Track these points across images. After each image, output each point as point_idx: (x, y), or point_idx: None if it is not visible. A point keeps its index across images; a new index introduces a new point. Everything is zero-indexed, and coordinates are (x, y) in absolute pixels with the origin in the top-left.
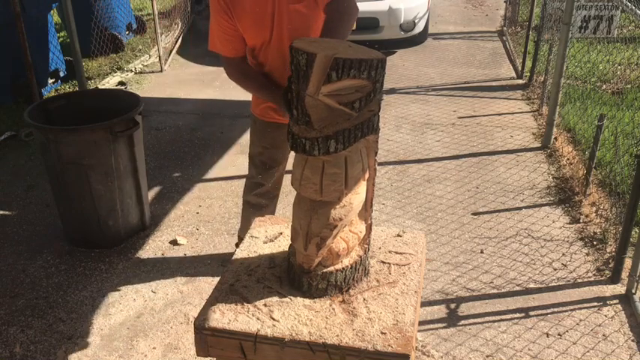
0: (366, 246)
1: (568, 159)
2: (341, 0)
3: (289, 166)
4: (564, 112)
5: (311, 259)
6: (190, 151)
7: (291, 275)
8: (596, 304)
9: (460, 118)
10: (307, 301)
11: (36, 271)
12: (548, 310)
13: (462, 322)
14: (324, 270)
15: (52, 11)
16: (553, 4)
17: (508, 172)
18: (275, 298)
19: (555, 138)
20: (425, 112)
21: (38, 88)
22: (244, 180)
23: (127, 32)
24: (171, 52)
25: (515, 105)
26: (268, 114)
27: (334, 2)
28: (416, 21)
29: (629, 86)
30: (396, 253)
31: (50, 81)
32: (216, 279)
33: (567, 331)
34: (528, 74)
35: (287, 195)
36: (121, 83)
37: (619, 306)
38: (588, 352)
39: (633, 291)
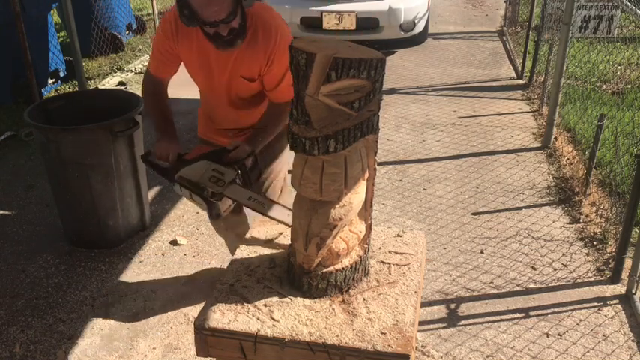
0: (366, 246)
1: (568, 159)
2: (285, 104)
3: (288, 166)
4: (564, 112)
5: (311, 259)
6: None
7: (291, 275)
8: (596, 304)
9: (460, 118)
10: (307, 301)
11: (36, 271)
12: (548, 310)
13: (462, 322)
14: (324, 270)
15: (52, 11)
16: (553, 4)
17: (508, 172)
18: (275, 298)
19: (555, 138)
20: (425, 112)
21: (38, 88)
22: None
23: (127, 32)
24: None
25: (515, 105)
26: (206, 134)
27: (283, 104)
28: (416, 21)
29: (629, 86)
30: (396, 253)
31: (50, 81)
32: (216, 279)
33: (567, 331)
34: (528, 74)
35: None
36: (121, 83)
37: (619, 306)
38: (588, 352)
39: (633, 291)
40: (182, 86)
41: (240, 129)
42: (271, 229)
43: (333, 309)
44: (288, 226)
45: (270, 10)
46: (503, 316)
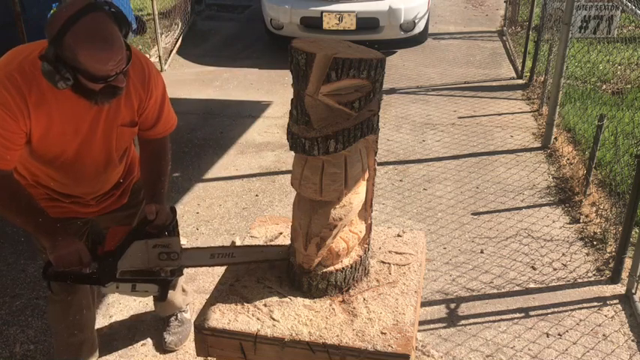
0: (366, 246)
1: (568, 159)
2: (166, 140)
3: (288, 166)
4: (564, 112)
5: (311, 259)
6: (190, 151)
7: (291, 275)
8: (596, 304)
9: (460, 118)
10: (307, 301)
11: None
12: (548, 310)
13: (462, 322)
14: (324, 270)
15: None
16: (553, 4)
17: (508, 172)
18: (275, 298)
19: (555, 138)
20: (425, 112)
21: None
22: (244, 180)
23: None
24: (171, 52)
25: (515, 105)
26: (65, 213)
27: (167, 137)
28: (416, 21)
29: (629, 86)
30: (396, 253)
31: None
32: (216, 279)
33: (567, 331)
34: (528, 74)
35: (287, 195)
36: None
37: (619, 306)
38: (588, 352)
39: (633, 291)
40: (182, 86)
41: (107, 192)
42: (271, 229)
43: (333, 309)
44: (261, 262)
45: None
46: (503, 316)
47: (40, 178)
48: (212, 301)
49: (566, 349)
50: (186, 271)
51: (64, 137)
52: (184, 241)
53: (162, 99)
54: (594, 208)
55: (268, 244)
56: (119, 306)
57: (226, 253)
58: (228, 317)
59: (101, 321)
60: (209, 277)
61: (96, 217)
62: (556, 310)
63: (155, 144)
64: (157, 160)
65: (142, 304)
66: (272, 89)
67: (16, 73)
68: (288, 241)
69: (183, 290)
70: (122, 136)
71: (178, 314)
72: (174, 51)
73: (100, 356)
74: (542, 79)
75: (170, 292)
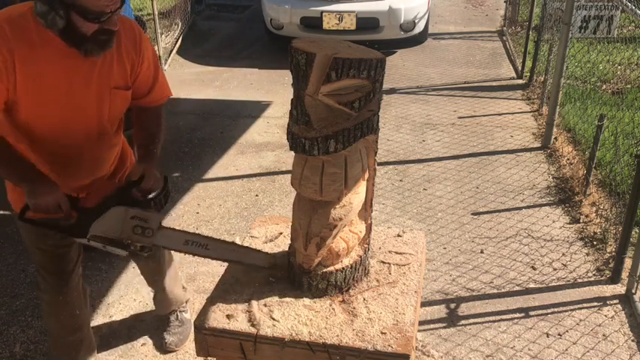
0: (366, 246)
1: (568, 159)
2: (160, 109)
3: (288, 166)
4: (564, 112)
5: (311, 259)
6: (190, 151)
7: (291, 275)
8: (596, 304)
9: (460, 118)
10: (307, 301)
11: (36, 271)
12: (548, 310)
13: (462, 322)
14: (324, 270)
15: None
16: (553, 4)
17: (508, 172)
18: (275, 298)
19: (555, 138)
20: (425, 112)
21: None
22: (244, 180)
23: None
24: (171, 52)
25: (515, 105)
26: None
27: (161, 107)
28: (416, 21)
29: (629, 86)
30: (396, 253)
31: None
32: (216, 279)
33: (567, 331)
34: (528, 74)
35: (287, 195)
36: None
37: (619, 306)
38: (588, 352)
39: (633, 291)
40: (182, 86)
41: (100, 177)
42: (271, 229)
43: (333, 309)
44: (235, 262)
45: None
46: (503, 316)
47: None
48: (212, 301)
49: (566, 349)
50: (186, 271)
51: (55, 97)
52: None
53: (154, 65)
54: (594, 208)
55: (251, 246)
56: (119, 306)
57: (201, 244)
58: (228, 317)
59: (101, 321)
60: (209, 277)
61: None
62: (556, 310)
63: (150, 112)
64: (151, 125)
65: (141, 304)
66: (272, 89)
67: (5, 24)
68: (288, 241)
69: (183, 287)
70: (115, 100)
71: (178, 314)
72: (174, 51)
73: (99, 356)
74: (542, 79)
75: (170, 287)
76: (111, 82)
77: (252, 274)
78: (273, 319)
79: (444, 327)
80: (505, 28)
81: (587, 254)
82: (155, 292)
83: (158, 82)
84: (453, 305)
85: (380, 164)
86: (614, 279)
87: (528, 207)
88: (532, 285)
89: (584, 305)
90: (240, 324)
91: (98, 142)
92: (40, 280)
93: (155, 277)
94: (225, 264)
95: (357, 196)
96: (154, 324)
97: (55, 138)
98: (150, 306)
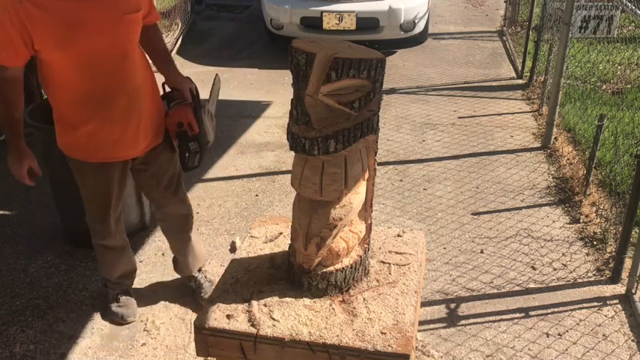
0: (366, 246)
1: (568, 159)
2: (157, 26)
3: (288, 166)
4: (564, 112)
5: (311, 259)
6: None
7: (291, 275)
8: (596, 304)
9: (460, 118)
10: (307, 301)
11: (36, 271)
12: (548, 310)
13: (462, 322)
14: (324, 270)
15: None
16: (553, 4)
17: (508, 172)
18: (275, 298)
19: (555, 138)
20: (425, 112)
21: (38, 88)
22: (244, 180)
23: None
24: (171, 52)
25: (515, 105)
26: (98, 153)
27: (156, 25)
28: (416, 21)
29: (629, 86)
30: (396, 253)
31: None
32: (217, 279)
33: (567, 331)
34: (528, 74)
35: (287, 195)
36: None
37: (619, 306)
38: (588, 352)
39: (633, 291)
40: None
41: (139, 120)
42: (271, 229)
43: (333, 309)
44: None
45: None
46: (503, 316)
47: (79, 105)
48: (212, 301)
49: (566, 349)
50: None
51: (69, 32)
52: None
53: None
54: (594, 208)
55: (251, 246)
56: None
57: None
58: (228, 317)
59: (101, 321)
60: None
61: (141, 157)
62: (556, 310)
63: (155, 29)
64: (160, 39)
65: (141, 303)
66: (272, 89)
67: None
68: (288, 241)
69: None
70: (131, 26)
71: (205, 273)
72: (174, 51)
73: (99, 356)
74: (542, 79)
75: (196, 240)
76: (120, 9)
77: (252, 274)
78: (273, 319)
79: (444, 327)
80: (505, 28)
81: (587, 254)
82: (181, 249)
83: (152, 1)
84: (453, 305)
85: (380, 164)
86: (614, 279)
87: (528, 207)
88: (532, 285)
89: (584, 305)
90: (240, 324)
91: (123, 62)
92: (98, 228)
93: (185, 226)
94: (226, 264)
95: (357, 196)
96: (154, 324)
97: (87, 76)
98: (149, 306)
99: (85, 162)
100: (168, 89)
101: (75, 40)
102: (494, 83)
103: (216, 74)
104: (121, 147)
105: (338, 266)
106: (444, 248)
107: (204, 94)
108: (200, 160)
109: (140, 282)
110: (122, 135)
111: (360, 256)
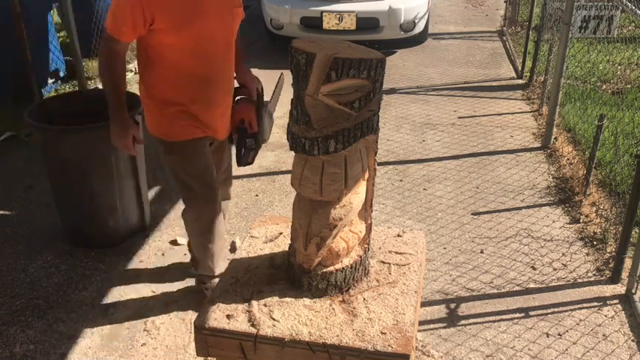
0: (366, 246)
1: (568, 159)
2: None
3: (288, 166)
4: (564, 112)
5: (311, 259)
6: None
7: (291, 275)
8: (596, 304)
9: (460, 118)
10: (307, 301)
11: (36, 271)
12: (548, 310)
13: (462, 322)
14: (324, 270)
15: (52, 11)
16: (553, 4)
17: (508, 172)
18: (275, 298)
19: (555, 138)
20: (425, 112)
21: (38, 88)
22: (244, 180)
23: None
24: None
25: (515, 105)
26: (190, 131)
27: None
28: (416, 21)
29: (629, 86)
30: (396, 253)
31: (50, 81)
32: (217, 279)
33: (567, 331)
34: (528, 74)
35: (287, 195)
36: None
37: (619, 306)
38: (588, 352)
39: (633, 291)
40: None
41: (229, 103)
42: (271, 229)
43: (333, 309)
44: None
45: None
46: (503, 316)
47: (186, 86)
48: (212, 301)
49: (566, 349)
50: (185, 271)
51: (190, 16)
52: (184, 241)
53: None
54: (594, 208)
55: (251, 246)
56: (119, 306)
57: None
58: (228, 317)
59: (101, 321)
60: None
61: (215, 143)
62: (556, 310)
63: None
64: (239, 37)
65: (141, 303)
66: (272, 89)
67: None
68: (288, 241)
69: None
70: (235, 17)
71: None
72: None
73: (99, 356)
74: (542, 79)
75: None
76: (231, 2)
77: (252, 274)
78: (273, 319)
79: (444, 327)
80: (505, 28)
81: (587, 254)
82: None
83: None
84: (453, 305)
85: (380, 164)
86: (614, 279)
87: (528, 207)
88: (532, 285)
89: (584, 305)
90: (240, 324)
91: (226, 60)
92: (192, 196)
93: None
94: (226, 264)
95: (357, 196)
96: (154, 324)
97: (197, 59)
98: (150, 306)
99: (189, 141)
100: (236, 85)
101: (193, 24)
102: (494, 83)
103: (282, 73)
104: (214, 128)
105: (338, 266)
106: (444, 248)
107: None
108: (254, 158)
109: (140, 282)
110: (219, 117)
111: (360, 256)
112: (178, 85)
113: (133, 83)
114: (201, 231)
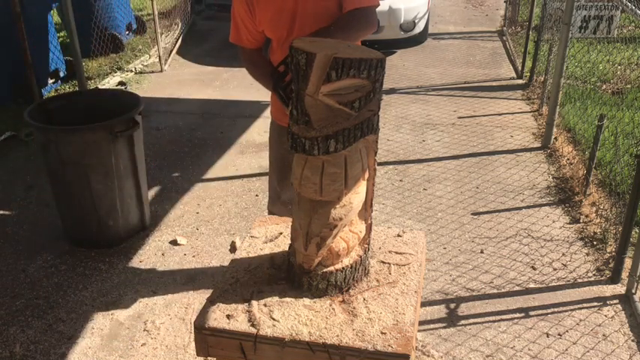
0: (366, 246)
1: (568, 159)
2: (364, 11)
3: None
4: (564, 112)
5: (311, 259)
6: (190, 151)
7: (291, 275)
8: (596, 304)
9: (460, 118)
10: (307, 301)
11: (36, 271)
12: (548, 310)
13: (462, 322)
14: (324, 270)
15: (52, 11)
16: (553, 4)
17: (508, 172)
18: (275, 298)
19: (555, 138)
20: (425, 112)
21: (38, 88)
22: (244, 180)
23: (126, 32)
24: (171, 52)
25: (515, 105)
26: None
27: (358, 11)
28: (416, 21)
29: (629, 86)
30: (396, 253)
31: (50, 81)
32: (216, 279)
33: (567, 331)
34: (528, 74)
35: None
36: (121, 83)
37: (619, 306)
38: (588, 352)
39: (633, 291)
40: (182, 86)
41: None
42: (271, 229)
43: (333, 309)
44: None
45: None
46: (503, 316)
47: None
48: (212, 301)
49: (566, 349)
50: (185, 271)
51: (273, 22)
52: (184, 241)
53: None
54: (594, 208)
55: (251, 246)
56: (119, 306)
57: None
58: (228, 317)
59: (101, 321)
60: (209, 277)
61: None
62: (556, 310)
63: (353, 13)
64: (345, 20)
65: (141, 303)
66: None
67: None
68: (288, 241)
69: None
70: (322, 12)
71: None
72: (174, 51)
73: (99, 356)
74: (542, 79)
75: None
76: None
77: (252, 274)
78: (273, 319)
79: (444, 327)
80: (505, 28)
81: (587, 254)
82: None
83: None
84: (453, 305)
85: (380, 164)
86: (614, 279)
87: (528, 207)
88: (532, 285)
89: (584, 305)
90: (240, 324)
91: None
92: (269, 175)
93: None
94: (226, 264)
95: (357, 196)
96: (154, 324)
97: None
98: (150, 306)
99: (275, 122)
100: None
101: (276, 28)
102: (494, 83)
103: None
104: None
105: (338, 266)
106: (444, 248)
107: (204, 93)
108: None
109: (140, 282)
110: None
111: (360, 256)
112: None
113: (133, 83)
114: None
